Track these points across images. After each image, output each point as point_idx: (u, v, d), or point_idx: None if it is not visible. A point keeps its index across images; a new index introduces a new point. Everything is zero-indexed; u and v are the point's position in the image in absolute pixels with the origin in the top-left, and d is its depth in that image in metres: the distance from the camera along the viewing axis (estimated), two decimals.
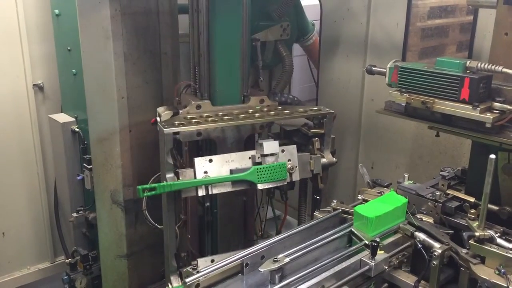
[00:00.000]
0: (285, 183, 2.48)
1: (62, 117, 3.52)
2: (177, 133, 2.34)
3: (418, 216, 2.09)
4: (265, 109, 2.67)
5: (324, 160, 2.63)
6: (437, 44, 3.25)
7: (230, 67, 2.64)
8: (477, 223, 1.79)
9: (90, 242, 3.60)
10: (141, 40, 2.72)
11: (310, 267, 1.79)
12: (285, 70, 3.48)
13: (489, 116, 1.87)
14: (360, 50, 3.47)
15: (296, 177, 2.50)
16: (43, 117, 3.76)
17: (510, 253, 1.70)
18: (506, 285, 1.68)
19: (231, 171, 2.36)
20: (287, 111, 2.66)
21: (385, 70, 2.21)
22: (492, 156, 1.66)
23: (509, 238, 1.83)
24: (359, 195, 2.27)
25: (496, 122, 1.89)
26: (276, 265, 1.71)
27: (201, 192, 2.32)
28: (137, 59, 2.72)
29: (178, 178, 2.30)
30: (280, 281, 1.73)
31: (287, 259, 1.75)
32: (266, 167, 2.38)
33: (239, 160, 2.40)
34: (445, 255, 1.81)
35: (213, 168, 2.34)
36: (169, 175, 2.30)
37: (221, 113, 2.57)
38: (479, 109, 1.89)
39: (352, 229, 1.97)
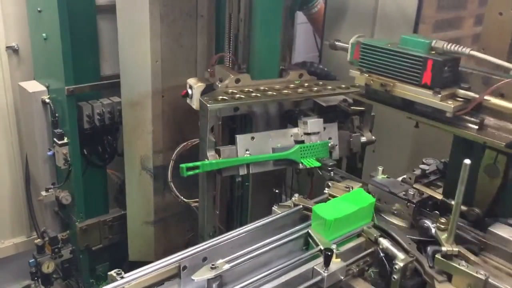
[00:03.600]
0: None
1: (33, 86, 3.28)
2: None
3: (389, 219, 1.87)
4: (306, 84, 2.52)
5: (363, 139, 2.51)
6: (454, 17, 3.06)
7: (271, 35, 2.47)
8: (446, 235, 1.55)
9: (63, 223, 3.44)
10: (178, 0, 2.66)
11: (256, 275, 1.59)
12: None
13: (449, 104, 1.66)
14: (368, 21, 3.21)
15: (336, 155, 2.40)
16: (17, 83, 3.49)
17: (480, 274, 1.46)
18: None
19: (273, 149, 2.27)
20: (330, 86, 2.50)
21: (348, 45, 2.00)
22: (467, 161, 1.42)
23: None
24: (325, 189, 2.05)
25: (458, 111, 1.67)
26: (213, 273, 1.52)
27: (242, 171, 2.24)
28: (173, 21, 2.69)
29: (219, 156, 2.22)
30: None
31: (226, 266, 1.55)
32: (310, 146, 2.29)
33: (281, 137, 2.32)
34: (408, 268, 1.60)
35: (255, 146, 2.26)
36: (211, 153, 2.22)
37: (262, 87, 2.43)
38: (440, 95, 1.67)
39: (309, 231, 1.75)
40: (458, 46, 1.69)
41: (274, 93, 2.36)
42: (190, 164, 2.18)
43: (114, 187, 3.54)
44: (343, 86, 2.47)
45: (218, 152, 2.24)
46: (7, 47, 3.45)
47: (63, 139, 3.10)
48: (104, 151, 3.35)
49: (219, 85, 2.45)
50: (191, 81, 2.50)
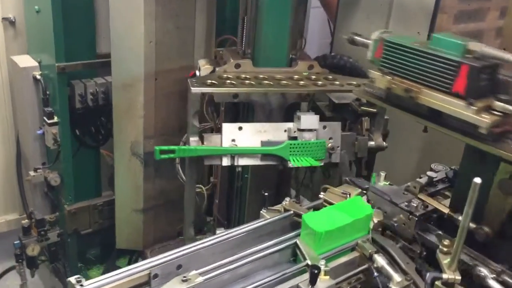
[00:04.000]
0: (322, 164, 2.20)
1: (25, 61, 3.10)
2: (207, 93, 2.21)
3: (388, 232, 1.69)
4: (313, 76, 2.34)
5: (371, 143, 2.32)
6: (478, 8, 2.83)
7: (280, 20, 2.30)
8: (449, 260, 1.37)
9: (52, 205, 3.31)
10: None
11: None
12: None
13: (485, 119, 1.42)
14: (384, 10, 3.02)
15: (336, 158, 2.23)
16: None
17: None
18: None
19: (262, 143, 2.14)
20: (338, 82, 2.32)
21: (369, 42, 1.76)
22: (477, 180, 1.23)
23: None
24: (321, 193, 1.87)
25: (494, 127, 1.43)
26: (184, 287, 1.36)
27: (226, 162, 2.17)
28: (169, 0, 2.54)
29: (202, 142, 2.15)
30: None
31: (200, 279, 1.39)
32: (301, 144, 2.14)
33: (273, 131, 2.17)
34: None
35: (242, 137, 2.15)
36: (193, 139, 2.15)
37: (262, 75, 2.28)
38: (475, 108, 1.44)
39: (298, 242, 1.58)
40: (501, 51, 1.47)
41: (271, 83, 2.19)
42: (165, 147, 2.07)
43: (109, 169, 3.40)
44: (354, 83, 2.28)
45: (202, 138, 2.14)
46: (3, 18, 3.31)
47: (53, 118, 2.94)
48: (98, 132, 3.20)
49: (217, 69, 2.33)
50: (201, 62, 2.42)
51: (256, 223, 1.69)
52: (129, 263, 3.40)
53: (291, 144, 2.13)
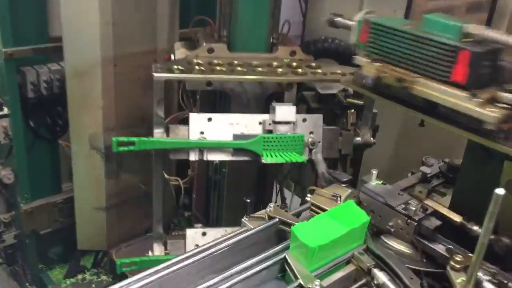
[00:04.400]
0: (301, 161, 2.01)
1: None
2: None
3: (384, 239, 1.52)
4: (294, 63, 2.13)
5: (357, 139, 2.13)
6: None
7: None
8: (463, 278, 1.20)
9: (7, 204, 3.02)
10: None
11: None
12: None
13: (493, 113, 1.26)
14: None
15: (317, 155, 2.04)
16: None
17: None
18: None
19: (234, 136, 1.96)
20: (320, 70, 2.10)
21: (352, 24, 1.59)
22: (500, 191, 1.05)
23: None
24: (308, 195, 1.68)
25: (502, 122, 1.26)
26: None
27: (194, 157, 2.00)
28: None
29: (167, 135, 1.97)
30: None
31: None
32: (276, 137, 1.95)
33: (247, 123, 1.98)
34: None
35: (212, 129, 1.95)
36: (158, 130, 1.97)
37: (236, 61, 2.07)
38: (479, 100, 1.27)
39: (287, 256, 1.39)
40: (505, 34, 1.29)
41: (245, 70, 1.98)
42: (124, 139, 1.88)
43: (70, 161, 3.12)
44: (339, 71, 2.09)
45: (168, 130, 1.96)
46: None
47: (2, 110, 2.64)
48: (54, 123, 2.92)
49: (188, 54, 2.14)
50: (177, 45, 2.23)
51: (238, 235, 1.49)
52: (94, 261, 3.18)
53: (264, 138, 1.95)
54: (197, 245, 2.00)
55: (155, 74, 1.91)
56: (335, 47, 2.44)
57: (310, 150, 2.02)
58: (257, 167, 2.30)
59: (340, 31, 1.79)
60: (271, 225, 1.54)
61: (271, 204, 1.59)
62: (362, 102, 2.11)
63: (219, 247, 1.43)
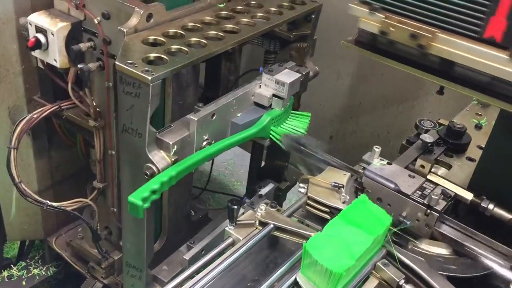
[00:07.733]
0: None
1: None
2: None
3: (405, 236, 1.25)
4: (239, 7, 1.73)
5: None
6: None
7: None
8: None
9: None
10: None
11: None
12: None
13: None
14: None
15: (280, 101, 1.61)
16: None
17: None
18: None
19: (233, 124, 1.51)
20: (274, 8, 1.74)
21: None
22: None
23: None
24: (300, 185, 1.36)
25: None
26: None
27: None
28: None
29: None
30: None
31: None
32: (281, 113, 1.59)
33: (242, 104, 1.55)
34: None
35: (214, 127, 1.45)
36: (154, 152, 1.36)
37: (190, 24, 1.54)
38: None
39: (298, 280, 1.09)
40: None
41: (221, 34, 1.51)
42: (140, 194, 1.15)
43: None
44: (286, 4, 1.78)
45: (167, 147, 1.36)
46: None
47: None
48: None
49: (124, 30, 1.40)
50: (44, 20, 1.53)
51: (230, 256, 1.15)
52: (19, 253, 2.67)
53: (271, 116, 1.54)
54: None
55: (151, 77, 1.24)
56: None
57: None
58: None
59: None
60: (266, 233, 1.21)
61: (262, 206, 1.25)
62: (309, 31, 1.83)
63: (210, 271, 1.10)
